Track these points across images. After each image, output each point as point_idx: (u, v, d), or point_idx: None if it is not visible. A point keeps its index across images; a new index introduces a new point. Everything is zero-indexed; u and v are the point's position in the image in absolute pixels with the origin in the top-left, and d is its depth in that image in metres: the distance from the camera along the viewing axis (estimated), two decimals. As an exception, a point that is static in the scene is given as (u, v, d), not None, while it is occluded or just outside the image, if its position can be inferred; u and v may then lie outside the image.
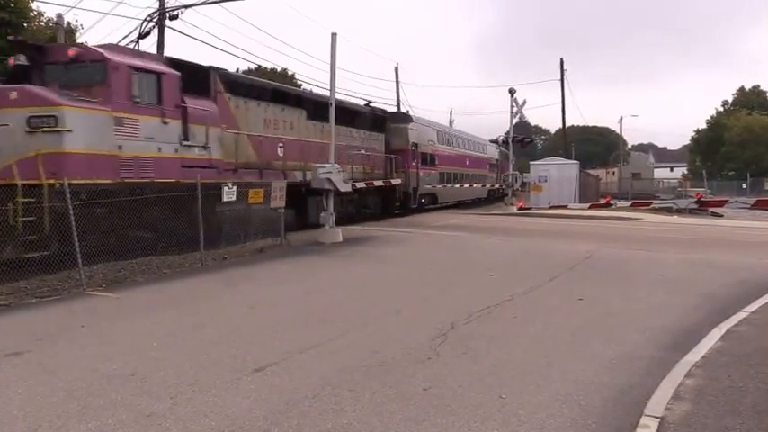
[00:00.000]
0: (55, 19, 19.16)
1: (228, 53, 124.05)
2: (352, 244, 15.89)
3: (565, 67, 46.52)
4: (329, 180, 16.27)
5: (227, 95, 15.58)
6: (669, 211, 30.75)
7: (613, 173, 71.93)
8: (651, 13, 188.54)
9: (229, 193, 13.57)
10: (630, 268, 12.36)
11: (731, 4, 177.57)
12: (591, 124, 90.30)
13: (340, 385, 5.33)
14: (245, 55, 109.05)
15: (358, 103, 26.01)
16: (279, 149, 17.47)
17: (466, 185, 35.50)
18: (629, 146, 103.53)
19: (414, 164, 27.19)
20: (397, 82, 44.67)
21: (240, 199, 13.93)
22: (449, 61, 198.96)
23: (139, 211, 11.89)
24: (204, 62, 15.31)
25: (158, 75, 13.15)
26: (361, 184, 20.92)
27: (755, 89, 75.17)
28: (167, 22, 22.05)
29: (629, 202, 34.23)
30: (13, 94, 11.11)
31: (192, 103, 13.98)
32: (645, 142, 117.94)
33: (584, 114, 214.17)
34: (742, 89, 75.98)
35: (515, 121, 38.25)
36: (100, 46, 13.08)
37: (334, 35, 16.55)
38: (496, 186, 41.52)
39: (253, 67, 43.12)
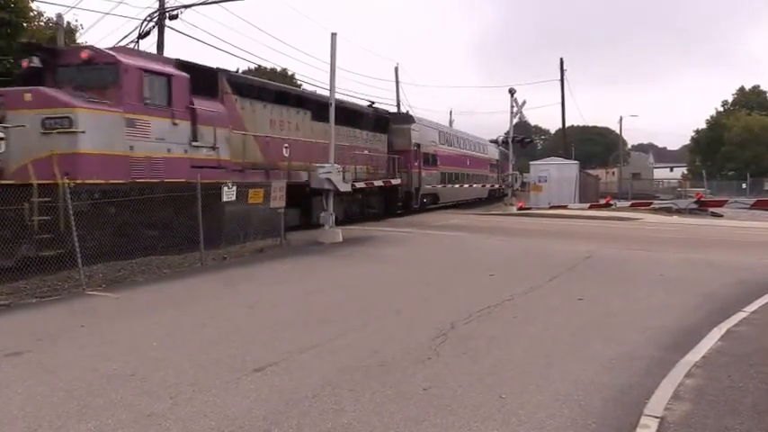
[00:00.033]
0: (55, 19, 19.14)
1: (228, 53, 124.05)
2: (352, 244, 15.89)
3: (565, 67, 46.53)
4: (329, 180, 16.29)
5: (234, 97, 15.85)
6: (669, 211, 30.75)
7: (613, 173, 71.91)
8: (651, 13, 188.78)
9: (229, 193, 13.58)
10: (630, 268, 12.36)
11: (731, 4, 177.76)
12: (591, 124, 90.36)
13: (340, 385, 5.33)
14: (245, 55, 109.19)
15: (362, 104, 26.27)
16: (284, 150, 17.70)
17: (467, 185, 35.67)
18: (629, 146, 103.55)
19: (416, 164, 27.38)
20: (397, 82, 44.71)
21: (240, 199, 13.97)
22: (449, 61, 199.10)
23: (150, 211, 12.06)
24: (204, 62, 15.38)
25: (168, 77, 13.38)
26: (361, 184, 21.01)
27: (755, 89, 75.12)
28: (167, 21, 22.06)
29: (629, 203, 34.23)
30: (28, 96, 11.32)
31: (201, 105, 14.19)
32: (645, 142, 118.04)
33: (584, 114, 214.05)
34: (742, 89, 75.93)
35: (515, 121, 38.31)
36: (111, 48, 13.32)
37: (334, 35, 16.56)
38: (497, 186, 41.57)
39: (253, 67, 43.10)
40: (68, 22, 20.57)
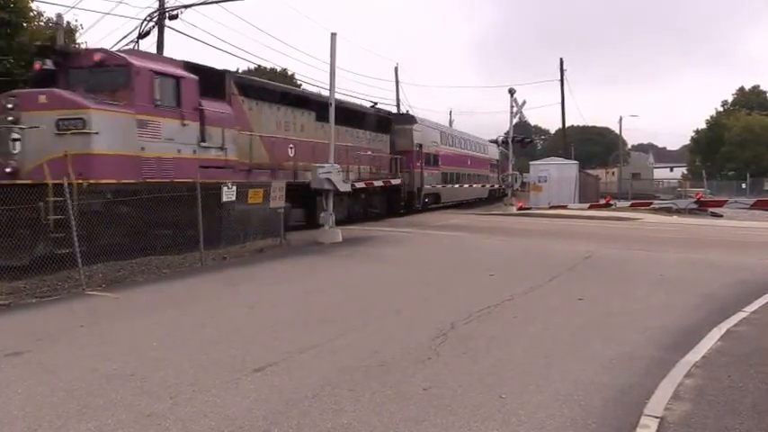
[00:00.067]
0: (54, 19, 19.13)
1: (228, 53, 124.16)
2: (352, 244, 15.89)
3: (565, 67, 46.56)
4: (329, 180, 16.30)
5: (241, 98, 16.14)
6: (669, 211, 30.75)
7: (613, 173, 71.90)
8: (651, 13, 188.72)
9: (229, 193, 13.60)
10: (630, 268, 12.36)
11: (731, 4, 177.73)
12: (591, 124, 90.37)
13: (340, 385, 5.33)
14: (245, 55, 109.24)
15: (365, 104, 26.52)
16: (289, 150, 17.99)
17: (468, 185, 35.89)
18: (629, 146, 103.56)
19: (418, 164, 27.57)
20: (397, 82, 44.78)
21: (240, 199, 14.02)
22: (449, 61, 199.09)
23: (163, 210, 12.21)
24: (203, 62, 15.46)
25: (178, 79, 13.63)
26: (361, 184, 21.10)
27: (755, 89, 75.14)
28: (167, 21, 22.08)
29: (629, 203, 34.23)
30: (42, 98, 11.53)
31: (209, 106, 14.42)
32: (645, 142, 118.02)
33: (583, 114, 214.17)
34: (742, 89, 75.95)
35: (515, 121, 38.30)
36: (123, 51, 13.66)
37: (333, 35, 16.57)
38: (497, 186, 41.64)
39: (252, 67, 43.09)
40: (68, 22, 20.54)
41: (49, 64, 12.83)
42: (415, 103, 68.81)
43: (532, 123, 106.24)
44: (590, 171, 57.28)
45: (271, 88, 18.87)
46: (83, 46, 16.97)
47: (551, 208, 30.22)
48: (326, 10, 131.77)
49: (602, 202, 33.41)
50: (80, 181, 11.02)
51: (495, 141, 44.78)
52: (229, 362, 6.00)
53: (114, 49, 19.03)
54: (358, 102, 27.36)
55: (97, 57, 12.82)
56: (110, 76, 12.61)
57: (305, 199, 17.77)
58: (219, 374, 5.62)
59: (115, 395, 5.12)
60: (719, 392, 5.15)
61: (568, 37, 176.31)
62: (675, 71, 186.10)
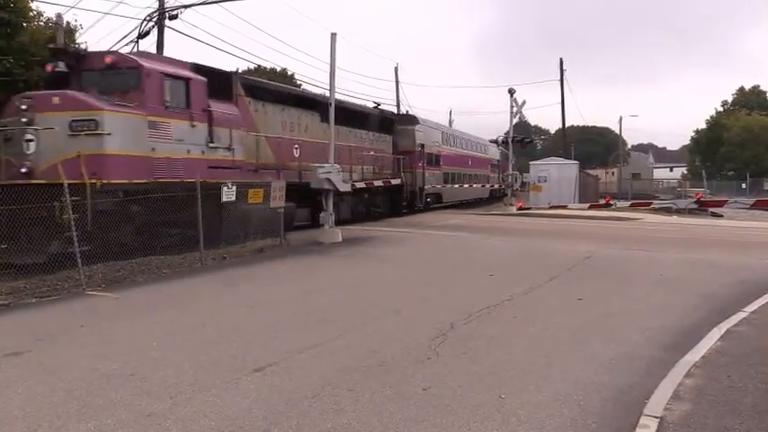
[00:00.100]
0: (54, 19, 19.11)
1: (228, 53, 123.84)
2: (352, 244, 15.89)
3: (564, 67, 46.58)
4: (329, 180, 16.31)
5: (248, 99, 16.43)
6: (669, 211, 30.75)
7: (613, 173, 71.90)
8: (651, 13, 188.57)
9: (229, 193, 13.63)
10: (630, 268, 12.37)
11: (731, 4, 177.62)
12: (591, 124, 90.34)
13: (339, 385, 5.34)
14: (245, 55, 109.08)
15: (367, 105, 26.97)
16: (294, 150, 18.27)
17: (469, 185, 36.14)
18: (629, 146, 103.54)
19: (420, 164, 27.82)
20: (397, 82, 44.76)
21: (240, 199, 14.07)
22: (449, 61, 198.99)
23: (170, 209, 12.41)
24: (203, 62, 15.47)
25: (187, 80, 13.88)
26: (361, 184, 21.22)
27: (755, 89, 75.04)
28: (167, 21, 22.03)
29: (629, 203, 34.25)
30: (56, 100, 11.77)
31: (217, 107, 14.66)
32: (644, 142, 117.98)
33: (583, 114, 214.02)
34: (742, 89, 75.86)
35: (515, 121, 38.29)
36: (133, 54, 13.90)
37: (333, 35, 16.57)
38: (497, 186, 41.71)
39: (252, 67, 43.07)
40: (68, 22, 20.45)
41: (61, 66, 13.06)
42: (415, 103, 68.96)
43: (532, 123, 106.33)
44: (590, 171, 57.28)
45: (276, 89, 19.18)
46: (83, 46, 17.07)
47: (551, 208, 30.22)
48: (326, 10, 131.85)
49: (602, 202, 33.42)
50: (94, 181, 11.26)
51: (495, 141, 44.80)
52: (229, 362, 6.00)
53: (114, 49, 19.07)
54: (359, 102, 27.64)
55: (109, 59, 13.11)
56: (121, 78, 12.88)
57: (310, 199, 17.94)
58: (219, 374, 5.62)
59: (115, 395, 5.12)
60: (719, 392, 5.15)
61: (568, 37, 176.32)
62: (675, 71, 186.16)
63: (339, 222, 19.55)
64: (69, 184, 10.57)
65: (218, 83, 14.98)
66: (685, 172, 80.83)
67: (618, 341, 6.84)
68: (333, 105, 16.90)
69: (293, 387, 5.31)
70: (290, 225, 16.78)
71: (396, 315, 8.18)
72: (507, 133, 37.56)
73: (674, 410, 4.76)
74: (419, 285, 10.40)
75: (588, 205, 30.99)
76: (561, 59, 46.85)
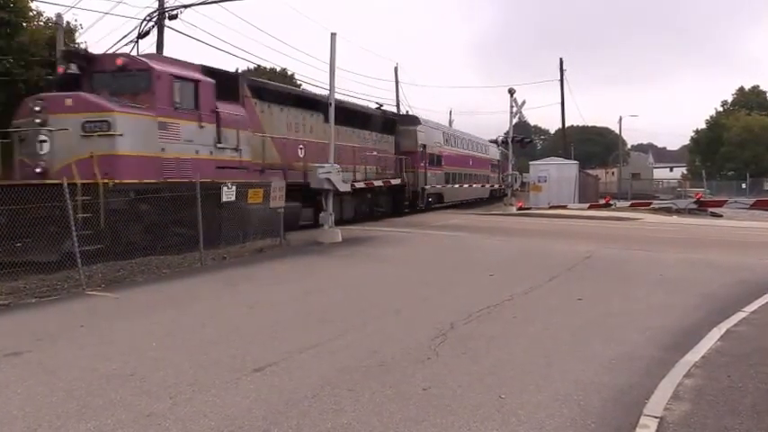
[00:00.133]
0: (54, 19, 19.12)
1: (228, 53, 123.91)
2: (352, 244, 15.89)
3: (564, 67, 46.48)
4: (328, 180, 16.32)
5: (254, 100, 16.71)
6: (668, 211, 30.76)
7: (613, 173, 71.89)
8: (651, 13, 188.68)
9: (228, 193, 13.64)
10: (630, 268, 12.36)
11: (731, 4, 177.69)
12: (590, 124, 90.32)
13: (339, 385, 5.33)
14: (245, 55, 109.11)
15: (368, 105, 27.34)
16: (299, 151, 18.54)
17: (470, 185, 36.35)
18: (629, 146, 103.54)
19: (422, 164, 28.07)
20: (397, 82, 44.73)
21: (240, 198, 14.11)
22: (448, 61, 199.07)
23: (177, 208, 12.61)
24: (203, 62, 15.56)
25: (196, 82, 14.14)
26: (360, 184, 21.33)
27: (755, 89, 75.08)
28: (167, 21, 22.02)
29: (629, 203, 34.22)
30: (69, 101, 12.02)
31: (224, 108, 14.91)
32: (644, 142, 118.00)
33: (583, 114, 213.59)
34: (741, 89, 75.89)
35: (515, 121, 38.31)
36: (144, 56, 14.23)
37: (333, 35, 16.57)
38: (497, 186, 41.78)
39: (252, 67, 43.07)
40: (68, 22, 20.51)
41: (73, 68, 13.35)
42: (414, 103, 68.88)
43: (532, 123, 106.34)
44: (590, 171, 57.29)
45: (281, 91, 19.49)
46: (82, 46, 17.12)
47: (551, 208, 30.22)
48: (326, 10, 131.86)
49: (602, 202, 33.40)
50: (106, 180, 11.49)
51: (495, 141, 44.85)
52: (229, 362, 6.00)
53: (114, 49, 19.11)
54: (360, 102, 27.91)
55: (120, 61, 13.38)
56: (132, 80, 13.12)
57: (314, 198, 18.12)
58: (219, 374, 5.62)
59: (115, 395, 5.12)
60: (719, 392, 5.15)
61: (568, 37, 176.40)
62: (675, 71, 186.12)
63: (343, 222, 19.91)
64: (82, 184, 10.86)
65: (226, 84, 15.23)
66: (685, 172, 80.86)
67: (618, 341, 6.83)
68: (332, 105, 16.93)
69: (293, 387, 5.30)
70: (295, 224, 17.07)
71: (396, 315, 8.18)
72: (507, 133, 37.57)
73: (673, 410, 4.76)
74: (419, 285, 10.39)
75: (588, 205, 30.98)
76: (561, 59, 46.86)
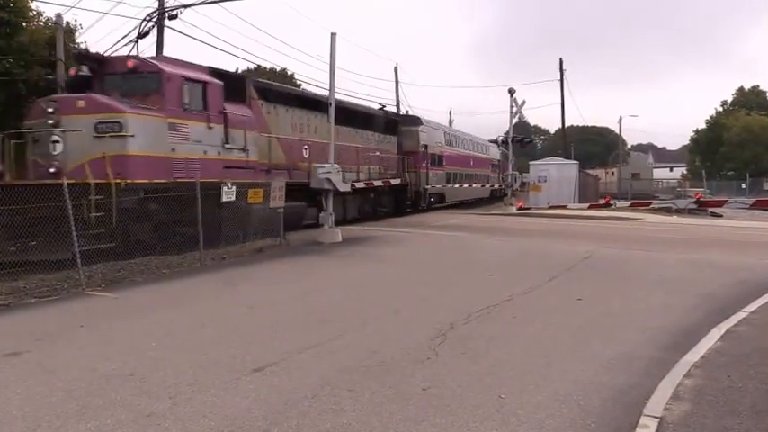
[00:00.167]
0: (54, 19, 19.11)
1: (228, 53, 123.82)
2: (351, 244, 15.89)
3: (564, 67, 46.44)
4: (328, 180, 16.33)
5: (260, 102, 16.97)
6: (668, 211, 30.76)
7: (613, 173, 71.88)
8: (651, 13, 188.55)
9: (228, 193, 13.66)
10: (630, 268, 12.36)
11: (731, 4, 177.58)
12: (590, 124, 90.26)
13: (339, 385, 5.33)
14: (245, 55, 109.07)
15: (368, 105, 27.73)
16: (304, 151, 18.82)
17: (471, 185, 36.54)
18: (629, 146, 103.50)
19: (424, 165, 28.26)
20: (397, 82, 44.70)
21: (240, 198, 14.16)
22: (448, 61, 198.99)
23: (184, 208, 12.78)
24: (203, 62, 15.67)
25: (204, 84, 14.42)
26: (360, 184, 21.43)
27: (755, 89, 75.09)
28: (166, 21, 22.00)
29: (629, 203, 34.23)
30: (81, 103, 12.31)
31: (232, 110, 15.16)
32: (644, 142, 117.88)
33: (583, 114, 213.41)
34: (741, 89, 75.89)
35: (515, 121, 38.32)
36: (153, 58, 14.57)
37: (333, 35, 16.57)
38: (497, 186, 41.85)
39: (252, 67, 43.07)
40: (68, 22, 20.48)
41: (84, 70, 13.63)
42: (414, 103, 68.83)
43: (532, 123, 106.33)
44: (590, 171, 57.28)
45: (287, 92, 19.85)
46: (82, 46, 17.18)
47: (551, 208, 30.22)
48: (326, 10, 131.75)
49: (602, 202, 33.40)
50: (118, 180, 11.71)
51: (495, 141, 44.90)
52: (229, 362, 6.00)
53: (113, 49, 19.15)
54: (361, 102, 28.12)
55: (131, 63, 13.70)
56: (142, 81, 13.38)
57: (317, 197, 18.19)
58: (219, 374, 5.62)
59: (114, 395, 5.12)
60: (719, 392, 5.15)
61: (568, 37, 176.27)
62: (675, 71, 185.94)
63: (347, 221, 20.19)
64: (96, 184, 11.15)
65: (233, 86, 15.58)
66: (685, 172, 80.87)
67: (617, 341, 6.83)
68: (332, 105, 16.96)
69: (293, 387, 5.30)
70: (300, 224, 17.37)
71: (395, 315, 8.18)
72: (507, 133, 37.59)
73: (673, 410, 4.76)
74: (419, 285, 10.39)
75: (588, 205, 30.99)
76: (561, 59, 46.83)
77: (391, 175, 25.03)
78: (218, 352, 6.34)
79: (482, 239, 17.67)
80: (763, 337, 6.97)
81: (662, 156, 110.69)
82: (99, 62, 13.90)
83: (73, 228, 10.04)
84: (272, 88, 18.89)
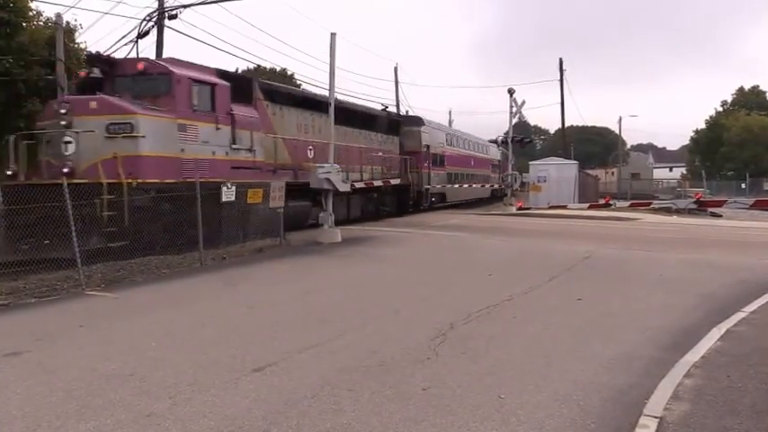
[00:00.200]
0: (54, 18, 19.09)
1: (228, 53, 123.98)
2: (351, 244, 15.89)
3: (564, 67, 46.44)
4: (328, 180, 16.33)
5: (266, 103, 17.24)
6: (668, 211, 30.75)
7: (612, 173, 71.90)
8: (651, 13, 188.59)
9: (228, 194, 13.66)
10: (630, 268, 12.36)
11: (731, 4, 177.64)
12: (590, 124, 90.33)
13: (339, 385, 5.33)
14: (245, 55, 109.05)
15: (368, 106, 28.00)
16: (309, 152, 19.09)
17: (471, 185, 36.77)
18: (629, 146, 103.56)
19: (425, 165, 28.49)
20: (397, 82, 44.65)
21: (240, 198, 14.19)
22: (448, 61, 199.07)
23: (192, 207, 12.85)
24: (203, 62, 15.75)
25: (213, 86, 14.69)
26: (360, 184, 21.48)
27: (755, 89, 75.06)
28: (166, 21, 22.00)
29: (629, 203, 34.21)
30: (93, 104, 12.62)
31: (239, 111, 15.44)
32: (644, 142, 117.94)
33: (583, 114, 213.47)
34: (741, 89, 75.86)
35: (515, 121, 38.33)
36: (163, 60, 14.85)
37: (333, 35, 16.57)
38: (497, 186, 41.90)
39: (252, 67, 43.07)
40: (67, 22, 20.40)
41: (96, 72, 13.96)
42: (414, 103, 68.72)
43: (532, 123, 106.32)
44: (589, 171, 57.29)
45: (292, 93, 20.18)
46: (82, 46, 17.26)
47: (551, 208, 30.22)
48: (326, 10, 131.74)
49: (602, 202, 33.38)
50: (130, 180, 11.94)
51: (495, 141, 44.94)
52: (229, 362, 6.00)
53: (113, 49, 19.20)
54: (361, 102, 28.29)
55: (141, 66, 14.02)
56: (153, 83, 13.67)
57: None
58: (219, 374, 5.62)
59: (114, 395, 5.12)
60: (719, 392, 5.15)
61: (568, 37, 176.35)
62: (675, 71, 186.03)
63: (351, 221, 20.42)
64: (109, 183, 11.41)
65: (240, 87, 15.84)
66: (685, 172, 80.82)
67: (617, 341, 6.83)
68: (332, 105, 17.01)
69: (293, 387, 5.30)
70: (305, 223, 17.68)
71: (395, 315, 8.18)
72: (507, 133, 37.60)
73: (673, 410, 4.76)
74: (418, 285, 10.39)
75: (588, 205, 30.98)
76: (561, 59, 46.83)
77: (394, 175, 25.25)
78: (218, 352, 6.34)
79: (482, 239, 17.67)
80: (763, 337, 6.97)
81: (662, 156, 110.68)
82: (110, 64, 14.22)
83: (73, 228, 10.05)
84: (278, 89, 19.18)
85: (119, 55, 19.01)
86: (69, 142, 12.27)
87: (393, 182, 24.86)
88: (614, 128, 76.21)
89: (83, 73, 14.53)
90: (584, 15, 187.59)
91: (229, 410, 4.78)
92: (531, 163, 39.87)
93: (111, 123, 12.39)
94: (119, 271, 11.15)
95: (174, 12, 21.88)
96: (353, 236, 17.29)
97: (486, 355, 6.30)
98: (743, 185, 55.46)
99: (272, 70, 42.58)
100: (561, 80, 46.11)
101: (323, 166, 16.47)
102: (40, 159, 12.95)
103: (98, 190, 11.38)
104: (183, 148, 13.59)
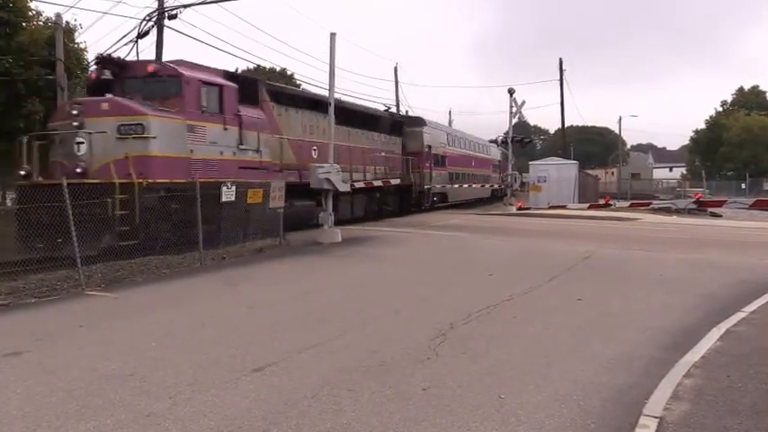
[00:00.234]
0: (53, 18, 19.10)
1: (228, 53, 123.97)
2: (351, 244, 15.89)
3: (564, 67, 46.46)
4: (328, 180, 16.33)
5: (272, 104, 17.51)
6: (668, 211, 30.75)
7: (612, 173, 71.92)
8: (651, 13, 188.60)
9: (228, 193, 13.68)
10: (629, 268, 12.36)
11: (731, 4, 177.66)
12: (590, 124, 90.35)
13: (339, 385, 5.33)
14: (245, 55, 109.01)
15: (368, 106, 28.37)
16: (313, 152, 19.29)
17: (472, 185, 36.99)
18: (629, 146, 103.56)
19: (427, 165, 28.67)
20: (397, 82, 44.70)
21: (240, 198, 14.22)
22: (448, 61, 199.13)
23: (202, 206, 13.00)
24: (203, 62, 15.80)
25: (221, 87, 14.91)
26: (360, 184, 21.55)
27: (754, 89, 75.06)
28: (166, 21, 22.00)
29: (628, 203, 34.27)
30: (104, 105, 12.84)
31: (246, 112, 15.67)
32: (644, 142, 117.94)
33: (583, 114, 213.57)
34: (741, 89, 75.85)
35: (515, 121, 38.35)
36: (173, 62, 15.02)
37: (333, 35, 16.56)
38: (497, 186, 41.96)
39: (252, 66, 43.07)
40: (67, 22, 20.48)
41: (106, 74, 14.17)
42: (414, 103, 68.71)
43: (532, 123, 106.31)
44: (589, 171, 57.30)
45: (297, 95, 20.52)
46: (82, 46, 17.33)
47: (551, 208, 30.25)
48: (326, 10, 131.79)
49: (602, 202, 33.45)
50: (141, 180, 12.12)
51: (495, 141, 45.00)
52: (228, 362, 6.00)
53: (113, 49, 19.25)
54: (362, 103, 28.44)
55: (151, 68, 14.29)
56: (162, 85, 13.90)
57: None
58: (219, 374, 5.62)
59: (114, 395, 5.12)
60: (718, 392, 5.14)
61: (568, 37, 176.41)
62: (675, 71, 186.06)
63: (355, 220, 20.64)
64: (121, 183, 11.64)
65: (246, 89, 16.04)
66: (685, 172, 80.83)
67: (617, 341, 6.83)
68: (332, 105, 17.01)
69: (293, 387, 5.30)
70: (310, 222, 17.74)
71: (395, 315, 8.18)
72: (507, 133, 37.61)
73: (673, 410, 4.76)
74: (418, 285, 10.39)
75: (588, 205, 31.02)
76: (560, 59, 46.86)
77: (396, 175, 25.47)
78: (218, 352, 6.34)
79: (482, 239, 17.67)
80: (763, 337, 6.97)
81: (662, 156, 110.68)
82: (120, 66, 14.46)
83: (73, 228, 10.05)
84: (283, 91, 19.44)
85: (118, 55, 19.08)
86: (81, 143, 12.51)
87: (393, 182, 24.94)
88: (614, 128, 76.31)
89: (94, 75, 14.78)
90: (584, 15, 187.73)
91: (229, 410, 4.78)
92: (530, 163, 39.89)
93: (123, 124, 12.62)
94: (119, 271, 11.15)
95: (173, 12, 21.89)
96: (354, 236, 17.29)
97: (486, 355, 6.30)
98: (743, 185, 55.46)
99: (272, 70, 42.58)
100: (561, 80, 46.16)
101: (322, 166, 16.48)
102: (52, 160, 13.13)
103: (110, 190, 11.56)
104: (192, 149, 13.81)
